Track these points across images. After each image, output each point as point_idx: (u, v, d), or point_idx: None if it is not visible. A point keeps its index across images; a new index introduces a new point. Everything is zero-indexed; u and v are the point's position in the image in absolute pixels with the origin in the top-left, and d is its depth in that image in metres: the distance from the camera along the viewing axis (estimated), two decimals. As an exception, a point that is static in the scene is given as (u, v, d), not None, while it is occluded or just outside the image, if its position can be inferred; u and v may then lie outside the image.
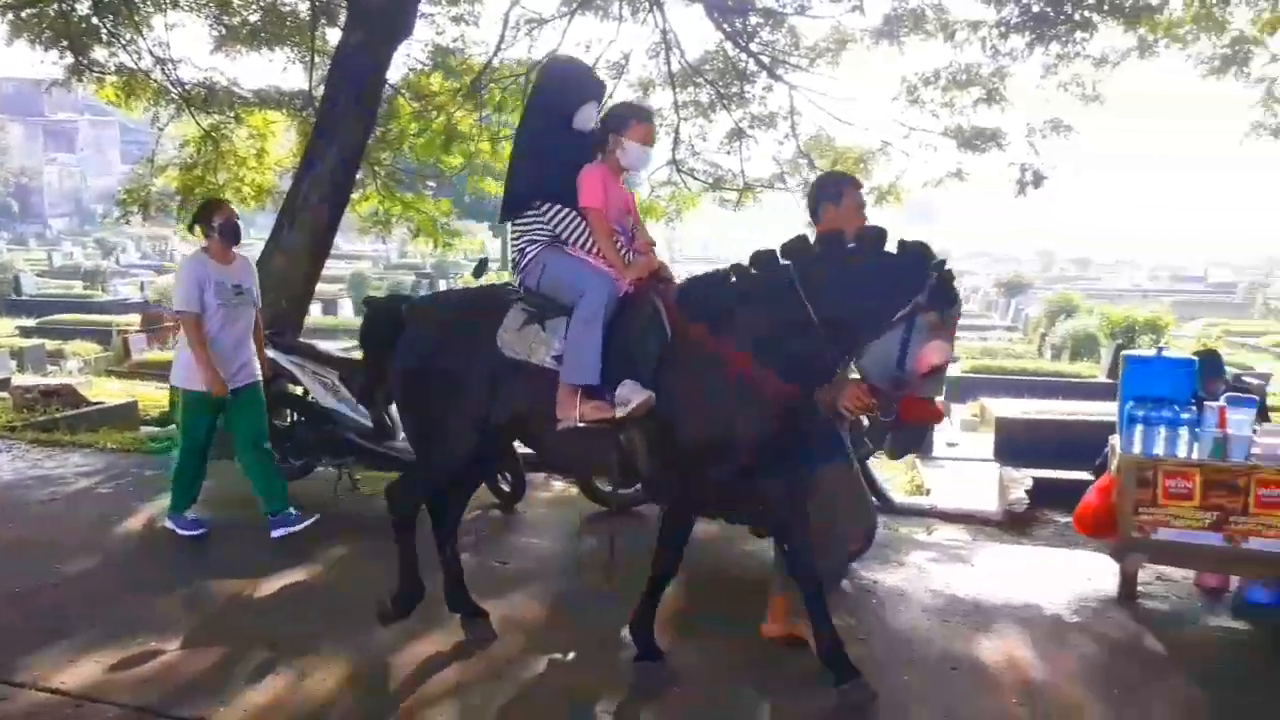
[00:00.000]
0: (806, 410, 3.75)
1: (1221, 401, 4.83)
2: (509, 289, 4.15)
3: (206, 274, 5.44)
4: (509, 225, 4.13)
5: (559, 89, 4.12)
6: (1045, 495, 6.80)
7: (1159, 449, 4.79)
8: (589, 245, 3.92)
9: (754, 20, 9.88)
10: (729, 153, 10.44)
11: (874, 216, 12.36)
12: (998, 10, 8.86)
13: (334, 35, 9.09)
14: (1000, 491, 7.04)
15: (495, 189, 11.08)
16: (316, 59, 9.55)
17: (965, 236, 65.72)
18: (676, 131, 10.24)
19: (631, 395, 3.63)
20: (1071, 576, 5.22)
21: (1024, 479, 7.06)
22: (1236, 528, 4.64)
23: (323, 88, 8.38)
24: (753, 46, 9.91)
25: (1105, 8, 8.66)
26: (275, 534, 5.47)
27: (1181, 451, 4.77)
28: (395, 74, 9.95)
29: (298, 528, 5.50)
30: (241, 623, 4.49)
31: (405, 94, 10.16)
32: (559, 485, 6.85)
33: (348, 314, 20.64)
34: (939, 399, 3.79)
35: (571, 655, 4.18)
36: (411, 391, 4.19)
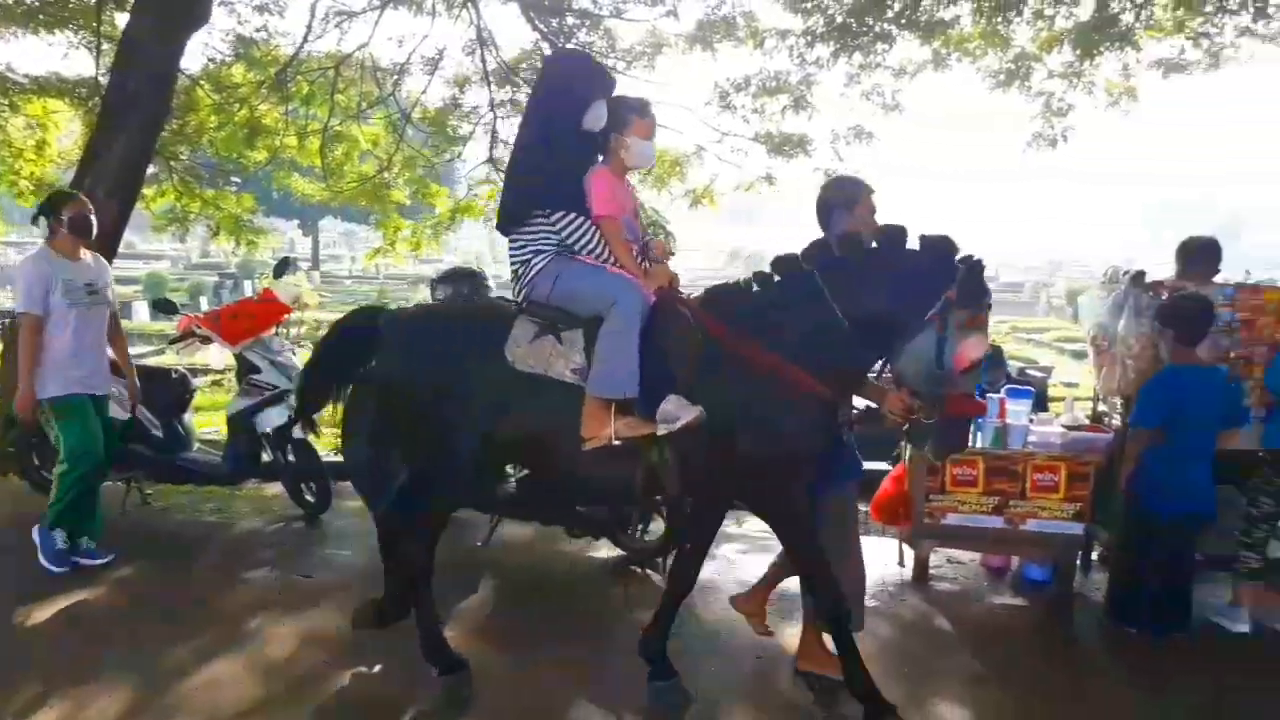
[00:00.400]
0: (838, 420, 3.70)
1: (1001, 393, 5.17)
2: (500, 301, 3.93)
3: (52, 271, 4.93)
4: (508, 236, 3.83)
5: (565, 87, 3.77)
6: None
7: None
8: (604, 255, 3.67)
9: (570, 21, 9.90)
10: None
11: (690, 218, 12.63)
12: (804, 20, 9.22)
13: (122, 19, 8.49)
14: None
15: (303, 185, 10.67)
16: (104, 45, 8.90)
17: (784, 240, 68.13)
18: (494, 130, 10.12)
19: (680, 411, 3.41)
20: (870, 562, 5.45)
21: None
22: (1015, 511, 4.98)
23: (109, 75, 7.83)
24: (570, 47, 9.91)
25: (903, 21, 9.14)
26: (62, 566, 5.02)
27: (967, 441, 5.07)
28: (194, 64, 9.42)
29: (90, 563, 5.09)
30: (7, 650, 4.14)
31: (205, 85, 9.61)
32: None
33: (143, 318, 19.30)
34: None
35: (378, 668, 4.06)
36: (401, 408, 3.82)
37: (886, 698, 3.60)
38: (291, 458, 6.07)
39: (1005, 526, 4.99)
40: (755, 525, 6.46)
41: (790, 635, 4.44)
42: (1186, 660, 4.36)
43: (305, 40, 9.35)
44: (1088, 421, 5.42)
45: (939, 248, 3.42)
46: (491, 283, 6.37)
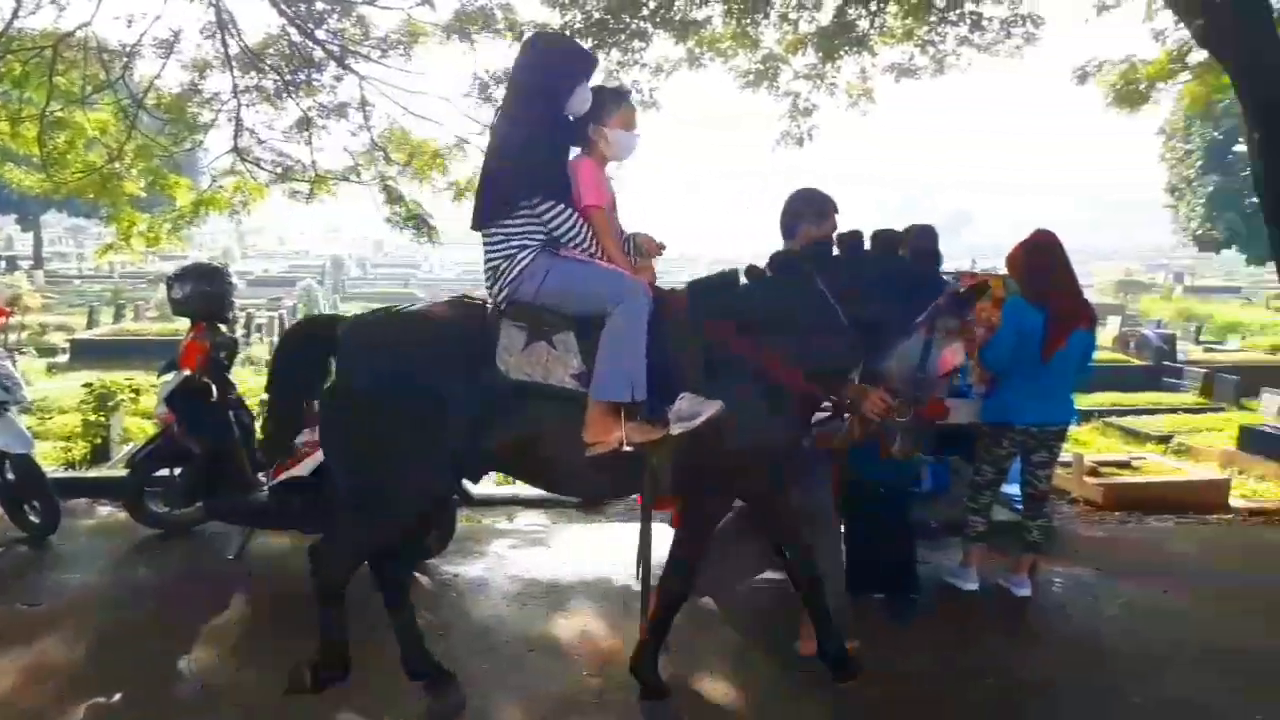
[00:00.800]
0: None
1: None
2: (472, 301, 3.61)
3: None
4: (485, 230, 3.55)
5: (546, 69, 3.53)
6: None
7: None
8: (591, 248, 3.47)
9: (320, 6, 9.49)
10: (298, 142, 9.94)
11: (454, 212, 12.38)
12: (562, 15, 9.26)
13: None
14: (578, 475, 7.34)
15: (19, 176, 9.68)
16: None
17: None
18: (238, 118, 9.55)
19: (698, 408, 3.31)
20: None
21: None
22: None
23: None
24: (320, 34, 9.50)
25: (658, 20, 9.37)
26: None
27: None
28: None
29: None
30: None
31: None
32: (104, 511, 6.12)
33: None
34: None
35: (117, 696, 3.74)
36: (364, 421, 3.39)
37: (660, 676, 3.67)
38: (10, 475, 5.49)
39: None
40: (526, 520, 6.48)
41: (561, 626, 4.46)
42: (925, 617, 4.71)
43: (15, 16, 8.46)
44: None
45: (928, 256, 3.74)
46: (237, 280, 6.01)
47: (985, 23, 9.52)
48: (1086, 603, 4.92)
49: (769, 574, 4.92)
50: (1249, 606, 4.95)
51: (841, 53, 9.73)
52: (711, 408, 3.33)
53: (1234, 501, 7.64)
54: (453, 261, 43.65)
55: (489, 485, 7.75)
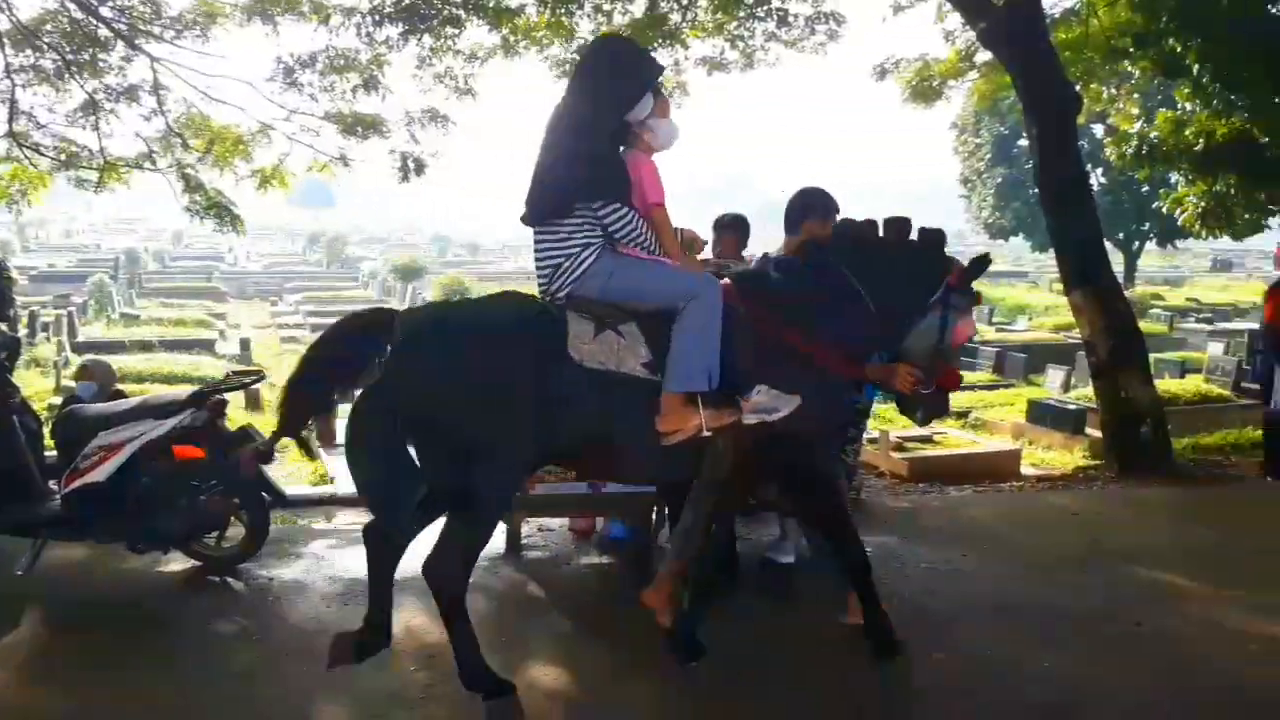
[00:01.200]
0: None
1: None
2: (526, 299, 3.70)
3: None
4: (540, 226, 3.63)
5: (615, 74, 3.61)
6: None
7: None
8: (651, 245, 3.61)
9: (106, -18, 8.87)
10: (84, 127, 9.26)
11: (260, 202, 11.88)
12: (371, -1, 9.01)
13: None
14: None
15: None
16: None
17: (366, 223, 66.60)
18: (13, 99, 8.81)
19: (778, 404, 3.56)
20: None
21: (421, 455, 7.26)
22: (597, 476, 5.25)
23: None
24: (104, 11, 8.88)
25: (470, 6, 9.24)
26: None
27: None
28: None
29: None
30: None
31: None
32: None
33: None
34: None
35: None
36: (451, 418, 3.39)
37: (491, 668, 3.64)
38: None
39: (589, 491, 5.26)
40: (346, 519, 6.30)
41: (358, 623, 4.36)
42: (743, 591, 4.87)
43: None
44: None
45: (935, 241, 4.01)
46: (17, 275, 5.55)
47: (791, 19, 9.88)
48: (893, 568, 5.21)
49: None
50: (1037, 564, 5.38)
51: (654, 45, 9.88)
52: (790, 404, 3.58)
53: (1024, 470, 8.28)
54: (259, 254, 41.67)
55: (304, 484, 7.52)
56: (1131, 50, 9.61)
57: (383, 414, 3.45)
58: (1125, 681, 3.99)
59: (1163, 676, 4.03)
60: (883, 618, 3.96)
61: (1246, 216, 10.07)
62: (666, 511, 5.18)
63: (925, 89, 10.96)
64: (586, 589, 5.00)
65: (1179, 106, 10.23)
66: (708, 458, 3.62)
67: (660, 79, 3.83)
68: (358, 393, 3.61)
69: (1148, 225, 28.92)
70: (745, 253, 5.48)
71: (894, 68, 10.88)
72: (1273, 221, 11.09)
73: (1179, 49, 8.90)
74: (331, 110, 9.54)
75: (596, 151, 3.55)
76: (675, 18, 9.80)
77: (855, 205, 5.36)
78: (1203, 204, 9.96)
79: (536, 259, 3.68)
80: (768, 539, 5.49)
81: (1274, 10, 9.08)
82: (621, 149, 3.70)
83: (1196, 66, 8.92)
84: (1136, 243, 29.62)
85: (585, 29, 10.15)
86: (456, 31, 9.51)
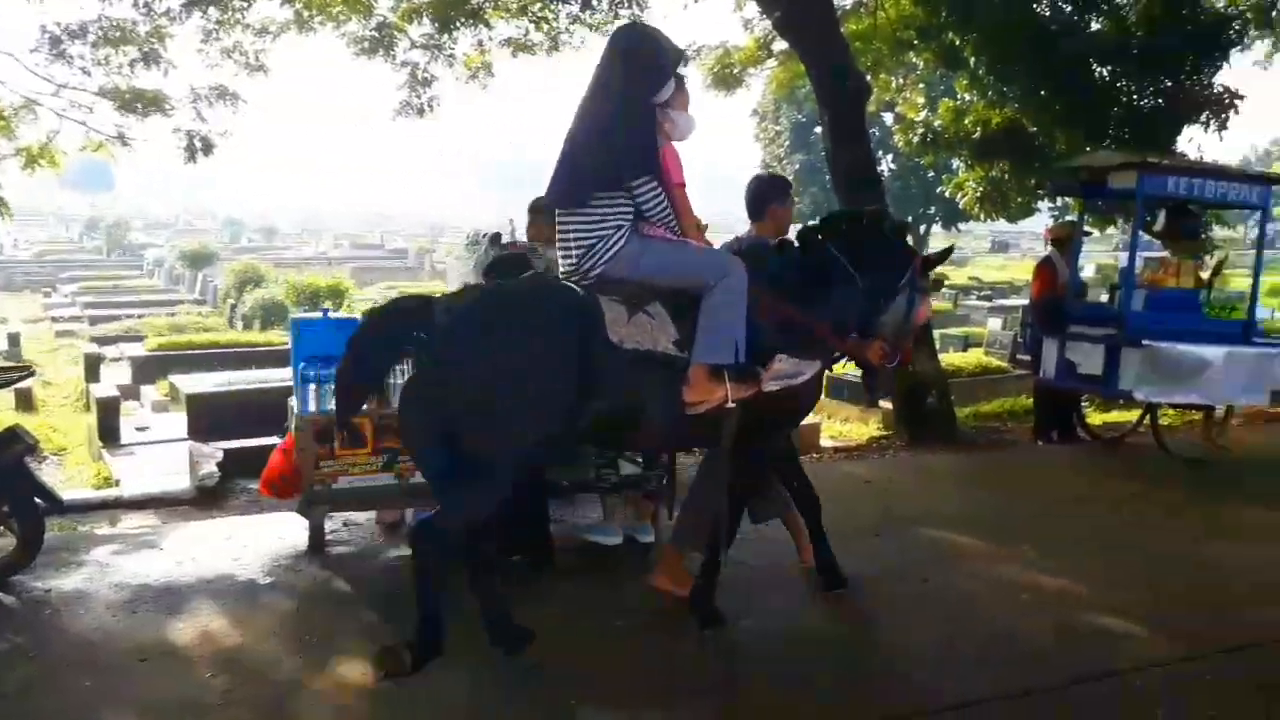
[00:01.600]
0: None
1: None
2: (562, 285, 3.74)
3: None
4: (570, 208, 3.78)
5: (643, 58, 3.75)
6: (238, 466, 6.78)
7: (332, 404, 5.05)
8: (673, 224, 3.78)
9: None
10: None
11: (28, 183, 10.93)
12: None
13: None
14: (191, 469, 6.81)
15: None
16: None
17: (151, 206, 62.47)
18: None
19: (800, 369, 3.99)
20: (263, 540, 5.29)
21: (215, 453, 6.92)
22: (404, 465, 5.13)
23: None
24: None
25: (255, -22, 8.80)
26: None
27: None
28: None
29: None
30: None
31: None
32: None
33: None
34: None
35: None
36: (471, 396, 3.47)
37: (274, 669, 3.55)
38: None
39: (395, 482, 5.13)
40: (131, 523, 5.93)
41: (178, 630, 4.13)
42: (563, 574, 4.89)
43: None
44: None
45: (899, 229, 4.57)
46: None
47: (595, 2, 9.90)
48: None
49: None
50: (836, 530, 5.60)
51: (457, 24, 9.69)
52: (811, 368, 4.06)
53: (824, 441, 8.68)
54: (28, 241, 38.30)
55: (85, 488, 7.04)
56: (916, 42, 10.21)
57: (434, 402, 3.54)
58: (914, 635, 4.29)
59: (946, 626, 4.35)
60: (710, 590, 4.22)
61: (1019, 200, 10.92)
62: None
63: (726, 76, 11.24)
64: (394, 582, 4.85)
65: (959, 97, 10.94)
66: (725, 428, 3.87)
67: (683, 75, 3.95)
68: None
69: (933, 209, 30.87)
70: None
71: (696, 54, 11.09)
72: (1042, 205, 12.08)
73: (958, 42, 9.53)
74: (107, 85, 8.87)
75: (632, 130, 3.70)
76: (479, -3, 9.64)
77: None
78: (981, 188, 10.71)
79: (561, 240, 3.83)
80: (585, 521, 5.52)
81: (1037, 9, 9.85)
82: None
83: (973, 59, 9.57)
84: (923, 225, 31.53)
85: (384, 5, 9.86)
86: (245, 4, 9.04)
